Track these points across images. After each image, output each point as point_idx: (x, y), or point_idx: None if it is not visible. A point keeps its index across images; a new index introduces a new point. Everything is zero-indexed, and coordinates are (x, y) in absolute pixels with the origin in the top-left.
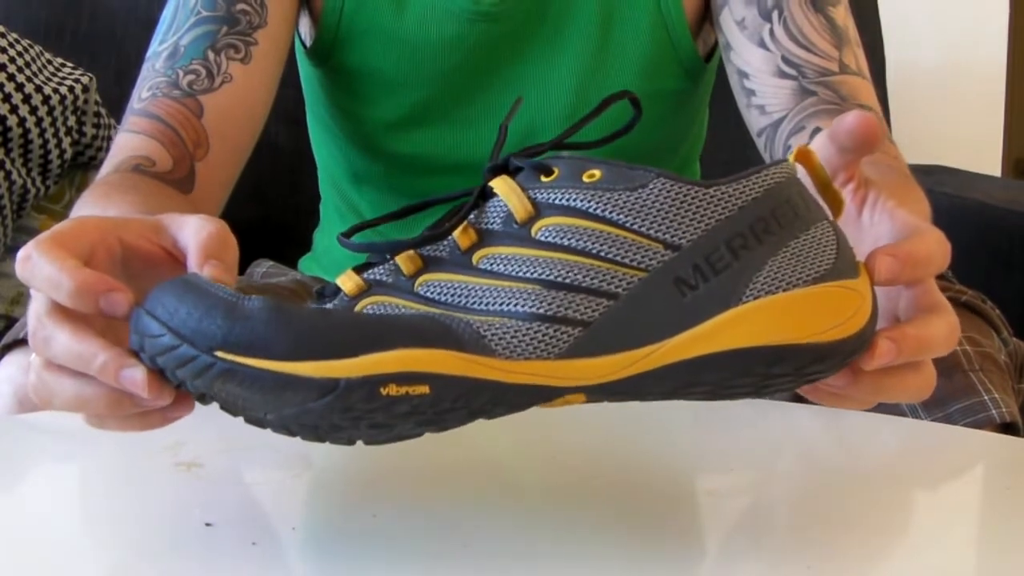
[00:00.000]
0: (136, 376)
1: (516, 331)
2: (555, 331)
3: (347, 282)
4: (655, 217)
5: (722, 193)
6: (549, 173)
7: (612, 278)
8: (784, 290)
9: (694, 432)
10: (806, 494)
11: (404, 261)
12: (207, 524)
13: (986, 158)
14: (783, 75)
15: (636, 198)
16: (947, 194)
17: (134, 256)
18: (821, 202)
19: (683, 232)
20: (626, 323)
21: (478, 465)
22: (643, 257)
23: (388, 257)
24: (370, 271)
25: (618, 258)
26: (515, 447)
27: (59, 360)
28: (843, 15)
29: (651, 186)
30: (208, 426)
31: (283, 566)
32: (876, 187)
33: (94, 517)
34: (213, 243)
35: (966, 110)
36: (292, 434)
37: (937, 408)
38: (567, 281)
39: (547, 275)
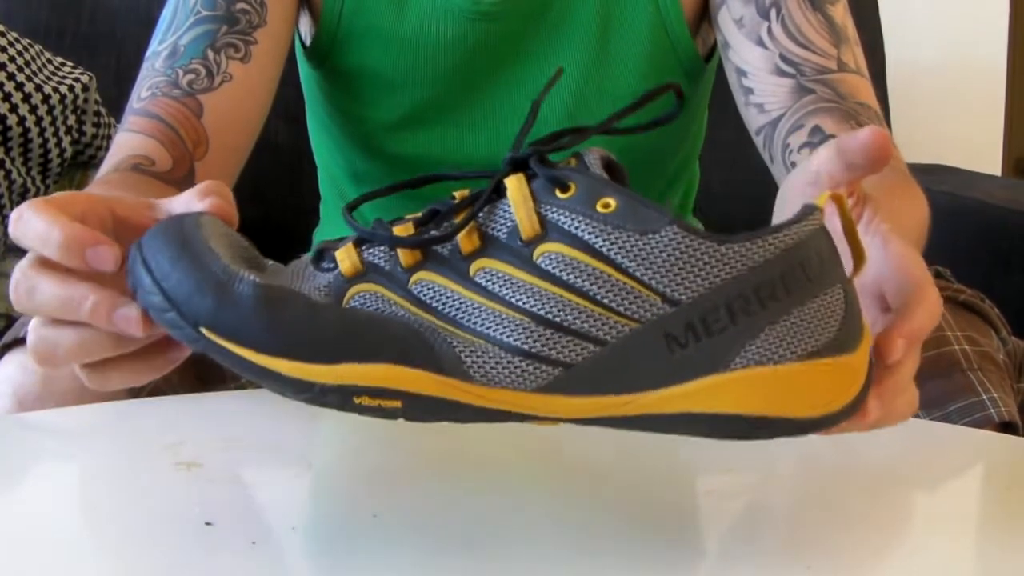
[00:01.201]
0: (131, 314)
1: (497, 360)
2: (535, 368)
3: (345, 260)
4: (659, 268)
5: (733, 252)
6: (565, 189)
7: (603, 324)
8: (775, 363)
9: None
10: (805, 494)
11: (403, 251)
12: (207, 523)
13: (986, 157)
14: (781, 73)
15: (644, 244)
16: (947, 193)
17: (125, 228)
18: (844, 249)
19: (684, 288)
20: (608, 370)
21: (478, 465)
22: (638, 307)
23: (387, 236)
24: (370, 250)
25: (613, 304)
26: (515, 447)
27: (46, 309)
28: (841, 13)
29: (662, 233)
30: (208, 425)
31: (283, 566)
32: (873, 205)
33: (94, 517)
34: (211, 185)
35: (966, 109)
36: None
37: (936, 408)
38: (557, 320)
39: (539, 308)
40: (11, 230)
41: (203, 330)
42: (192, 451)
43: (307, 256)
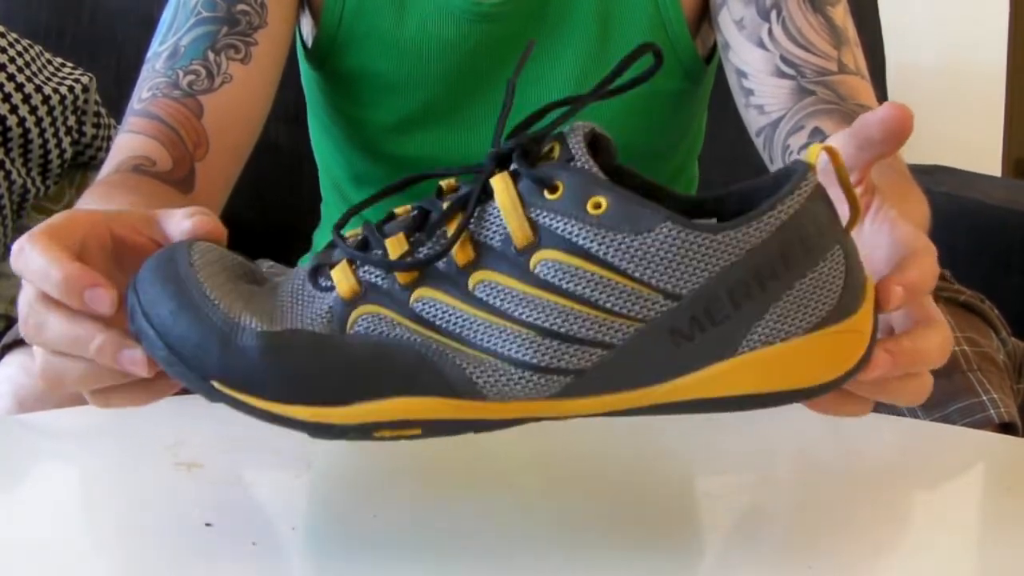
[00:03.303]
0: (136, 356)
1: (508, 376)
2: (547, 379)
3: (342, 281)
4: (657, 265)
5: (730, 239)
6: (554, 189)
7: (608, 328)
8: (782, 340)
9: (692, 433)
10: (805, 494)
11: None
12: (207, 524)
13: (986, 158)
14: (782, 75)
15: (640, 244)
16: (946, 194)
17: (125, 249)
18: (841, 201)
19: (684, 281)
20: (618, 370)
21: (478, 465)
22: (641, 307)
23: (381, 260)
24: (365, 269)
25: (616, 308)
26: (515, 448)
27: (53, 345)
28: (842, 15)
29: (657, 231)
30: (208, 426)
31: (283, 566)
32: (880, 194)
33: (94, 517)
34: (195, 210)
35: (966, 110)
36: None
37: (936, 408)
38: (562, 331)
39: (543, 321)
40: (12, 263)
41: (215, 383)
42: (192, 452)
43: (303, 270)
